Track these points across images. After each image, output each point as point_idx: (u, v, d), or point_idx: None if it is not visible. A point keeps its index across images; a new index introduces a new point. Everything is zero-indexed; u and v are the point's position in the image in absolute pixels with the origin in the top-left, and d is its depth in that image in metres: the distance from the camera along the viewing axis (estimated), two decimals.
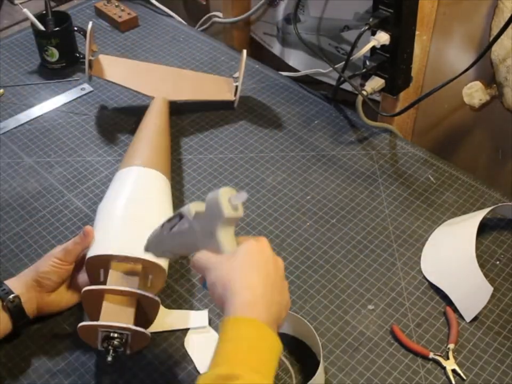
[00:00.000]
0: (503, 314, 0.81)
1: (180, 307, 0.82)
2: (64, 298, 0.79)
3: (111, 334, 0.70)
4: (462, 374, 0.74)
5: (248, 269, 0.59)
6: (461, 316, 0.80)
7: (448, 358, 0.76)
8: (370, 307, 0.82)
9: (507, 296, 0.83)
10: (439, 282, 0.83)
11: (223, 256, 0.61)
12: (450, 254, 0.85)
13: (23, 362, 0.77)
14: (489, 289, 0.79)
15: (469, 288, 0.81)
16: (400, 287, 0.84)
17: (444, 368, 0.75)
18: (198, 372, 0.75)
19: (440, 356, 0.76)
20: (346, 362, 0.77)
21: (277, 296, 0.59)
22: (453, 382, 0.74)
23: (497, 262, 0.87)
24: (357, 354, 0.77)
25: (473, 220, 0.86)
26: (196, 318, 0.81)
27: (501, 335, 0.79)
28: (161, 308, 0.77)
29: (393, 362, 0.76)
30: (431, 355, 0.76)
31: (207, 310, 0.81)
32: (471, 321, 0.80)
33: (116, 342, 0.70)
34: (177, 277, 0.86)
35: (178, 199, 0.97)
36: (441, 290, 0.83)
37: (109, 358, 0.70)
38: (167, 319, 0.80)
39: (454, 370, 0.75)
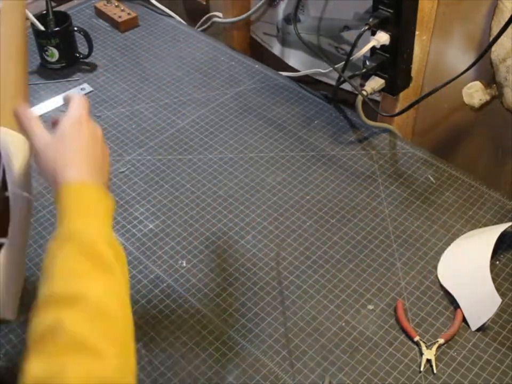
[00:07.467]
0: (503, 314, 0.81)
1: None
2: None
3: None
4: (434, 367, 0.75)
5: (73, 146, 0.63)
6: (466, 324, 0.80)
7: (430, 349, 0.77)
8: (370, 307, 0.82)
9: (507, 296, 0.83)
10: (453, 289, 0.84)
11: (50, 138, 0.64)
12: (467, 264, 0.86)
13: (23, 362, 0.77)
14: (497, 301, 0.79)
15: (479, 298, 0.81)
16: (400, 287, 0.84)
17: (422, 354, 0.76)
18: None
19: (424, 342, 0.77)
20: (346, 362, 0.77)
21: (100, 161, 0.65)
22: (421, 368, 0.75)
23: (497, 262, 0.87)
24: (357, 354, 0.77)
25: (493, 231, 0.86)
26: None
27: (501, 335, 0.79)
28: None
29: (393, 362, 0.76)
30: (416, 338, 0.77)
31: None
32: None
33: None
34: None
35: (178, 199, 0.97)
36: (441, 291, 0.83)
37: None
38: None
39: (429, 361, 0.76)
